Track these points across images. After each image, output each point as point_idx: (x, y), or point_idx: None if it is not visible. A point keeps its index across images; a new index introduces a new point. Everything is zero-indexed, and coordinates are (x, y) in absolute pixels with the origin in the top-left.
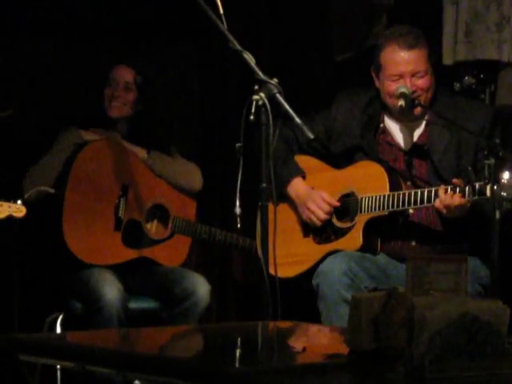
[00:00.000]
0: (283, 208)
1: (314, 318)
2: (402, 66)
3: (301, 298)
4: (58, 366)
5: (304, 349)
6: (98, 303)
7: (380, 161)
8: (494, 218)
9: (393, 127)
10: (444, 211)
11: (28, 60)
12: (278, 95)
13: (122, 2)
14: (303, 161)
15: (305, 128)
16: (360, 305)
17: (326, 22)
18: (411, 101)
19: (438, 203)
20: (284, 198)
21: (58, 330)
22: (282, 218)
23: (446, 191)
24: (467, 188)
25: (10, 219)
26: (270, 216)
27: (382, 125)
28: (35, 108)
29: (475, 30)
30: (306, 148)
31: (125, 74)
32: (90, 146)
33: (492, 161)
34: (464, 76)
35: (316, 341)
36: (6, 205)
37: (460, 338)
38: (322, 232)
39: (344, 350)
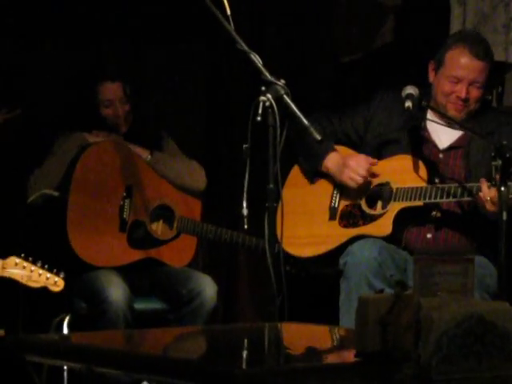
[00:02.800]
0: (313, 190)
1: (322, 317)
2: (465, 72)
3: (308, 298)
4: (65, 367)
5: (310, 350)
6: (102, 305)
7: (416, 157)
8: (501, 220)
9: (434, 126)
10: (487, 205)
11: (30, 62)
12: (285, 96)
13: (127, 1)
14: (340, 150)
15: (312, 129)
16: (367, 306)
17: (332, 22)
18: (419, 102)
19: (481, 196)
20: (318, 176)
21: (65, 330)
22: (309, 200)
23: (489, 186)
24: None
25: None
26: (279, 220)
27: (423, 123)
28: (35, 110)
29: (482, 31)
30: (343, 140)
31: (115, 91)
32: (93, 148)
33: (499, 162)
34: None
35: (322, 342)
36: (45, 274)
37: (467, 339)
38: (349, 217)
39: (351, 351)
